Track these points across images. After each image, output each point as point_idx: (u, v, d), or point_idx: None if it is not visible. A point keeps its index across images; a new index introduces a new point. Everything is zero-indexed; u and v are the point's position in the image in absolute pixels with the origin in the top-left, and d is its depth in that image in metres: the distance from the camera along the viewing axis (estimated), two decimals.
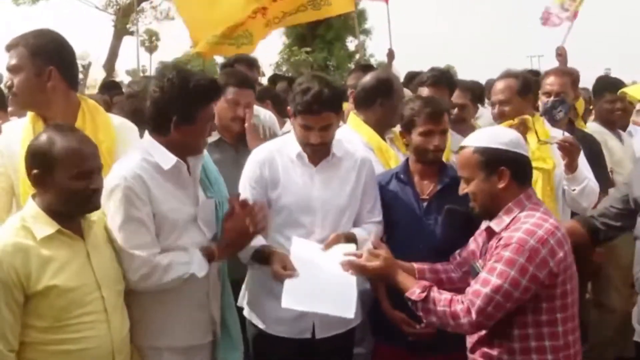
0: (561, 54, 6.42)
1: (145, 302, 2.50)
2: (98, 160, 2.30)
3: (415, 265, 2.73)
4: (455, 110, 4.26)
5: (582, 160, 3.36)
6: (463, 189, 2.49)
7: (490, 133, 2.51)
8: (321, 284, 2.66)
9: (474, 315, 2.28)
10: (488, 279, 2.28)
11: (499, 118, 3.60)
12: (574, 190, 3.29)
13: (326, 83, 2.86)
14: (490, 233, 2.46)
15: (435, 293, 2.40)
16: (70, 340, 2.18)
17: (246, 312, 3.06)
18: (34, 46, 2.56)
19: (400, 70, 6.90)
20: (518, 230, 2.30)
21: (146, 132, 2.61)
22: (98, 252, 2.32)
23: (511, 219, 2.37)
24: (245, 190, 2.91)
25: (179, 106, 2.47)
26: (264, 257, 2.74)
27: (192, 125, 2.50)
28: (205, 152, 2.72)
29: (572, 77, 4.19)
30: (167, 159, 2.52)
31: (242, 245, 2.66)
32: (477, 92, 4.76)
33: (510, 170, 2.37)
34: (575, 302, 2.38)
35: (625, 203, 2.89)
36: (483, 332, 2.40)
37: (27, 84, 2.57)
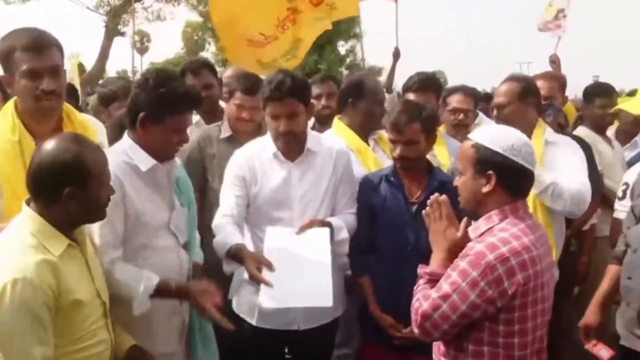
0: (554, 61, 6.42)
1: (128, 309, 2.48)
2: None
3: None
4: (461, 116, 4.34)
5: (561, 162, 3.33)
6: (456, 181, 2.39)
7: (495, 132, 2.35)
8: (297, 277, 2.69)
9: (418, 318, 2.20)
10: (440, 285, 2.19)
11: (497, 121, 3.58)
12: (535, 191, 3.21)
13: (290, 74, 2.96)
14: (467, 237, 2.36)
15: (429, 288, 2.27)
16: (85, 348, 2.17)
17: (235, 306, 3.13)
18: (60, 47, 2.57)
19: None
20: (481, 243, 2.17)
21: (125, 133, 2.66)
22: (93, 260, 2.31)
23: (487, 227, 2.24)
24: (229, 187, 3.03)
25: (148, 104, 2.53)
26: (237, 256, 2.78)
27: (158, 127, 2.55)
28: (176, 159, 2.79)
29: (559, 81, 4.22)
30: (146, 161, 2.59)
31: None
32: (478, 98, 4.79)
33: (498, 176, 2.21)
34: (539, 327, 2.23)
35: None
36: (441, 342, 2.31)
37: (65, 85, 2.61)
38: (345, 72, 20.61)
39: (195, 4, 25.66)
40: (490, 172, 2.22)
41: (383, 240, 3.07)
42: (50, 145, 2.12)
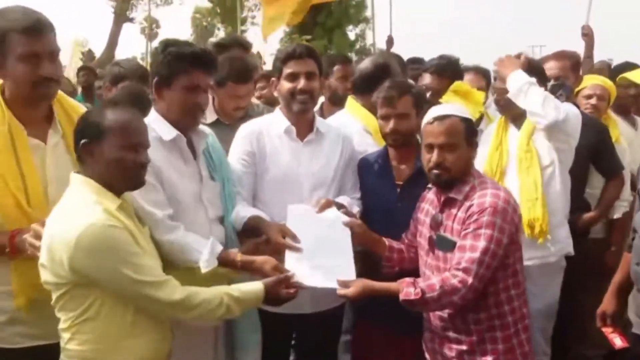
0: (587, 34, 5.91)
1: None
2: (146, 137, 2.28)
3: (385, 241, 2.86)
4: None
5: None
6: (442, 156, 2.56)
7: (460, 107, 2.79)
8: (321, 257, 2.65)
9: (471, 280, 2.42)
10: (475, 245, 2.46)
11: (497, 105, 3.64)
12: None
13: (306, 45, 3.04)
14: (451, 202, 2.60)
15: (423, 283, 2.49)
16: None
17: None
18: (55, 30, 2.44)
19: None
20: (485, 196, 2.51)
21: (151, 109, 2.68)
22: (141, 225, 2.32)
23: (469, 187, 2.58)
24: (236, 163, 2.98)
25: (159, 68, 2.57)
26: (256, 226, 2.75)
27: (169, 90, 2.56)
28: (211, 133, 2.82)
29: (572, 60, 4.13)
30: (168, 131, 2.58)
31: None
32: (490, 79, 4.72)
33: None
34: (521, 272, 2.63)
35: None
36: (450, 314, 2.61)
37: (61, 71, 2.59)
38: (354, 56, 20.56)
39: None
40: (474, 138, 2.63)
41: (369, 223, 3.00)
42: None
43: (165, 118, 2.61)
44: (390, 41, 7.29)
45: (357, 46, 23.99)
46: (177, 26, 56.39)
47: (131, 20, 24.22)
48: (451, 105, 2.95)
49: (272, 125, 3.07)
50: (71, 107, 2.57)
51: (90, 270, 2.05)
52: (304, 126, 3.07)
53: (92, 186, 2.17)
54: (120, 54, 21.98)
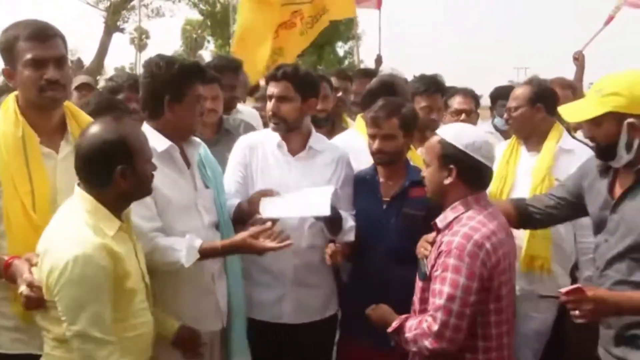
0: (577, 58, 5.97)
1: (157, 288, 2.49)
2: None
3: None
4: (463, 116, 4.29)
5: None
6: (423, 172, 2.59)
7: (458, 130, 2.56)
8: (296, 196, 2.85)
9: (437, 328, 2.32)
10: (441, 290, 2.34)
11: (507, 123, 3.65)
12: None
13: (297, 65, 3.09)
14: (437, 228, 2.52)
15: (409, 322, 2.47)
16: (131, 327, 2.21)
17: None
18: (64, 38, 2.52)
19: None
20: (457, 235, 2.36)
21: (144, 123, 2.71)
22: (137, 242, 2.35)
23: (455, 216, 2.43)
24: (233, 173, 3.08)
25: (169, 85, 2.61)
26: (246, 207, 2.88)
27: (182, 104, 2.64)
28: (203, 144, 2.88)
29: (573, 89, 4.02)
30: (161, 142, 2.64)
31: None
32: (478, 100, 4.75)
33: (458, 171, 2.41)
34: (510, 306, 2.46)
35: (567, 194, 2.76)
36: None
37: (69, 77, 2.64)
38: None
39: (196, 1, 25.70)
40: (451, 166, 2.42)
41: (356, 238, 3.06)
42: (94, 128, 2.19)
43: (170, 130, 2.66)
44: (378, 60, 7.39)
45: (346, 63, 24.19)
46: (167, 37, 56.41)
47: (121, 30, 24.27)
48: (454, 125, 2.83)
49: (267, 139, 3.13)
50: (83, 121, 2.60)
51: (57, 294, 2.06)
52: (296, 142, 3.10)
53: (92, 206, 2.17)
54: (110, 63, 22.03)
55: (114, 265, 2.10)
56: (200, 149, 2.86)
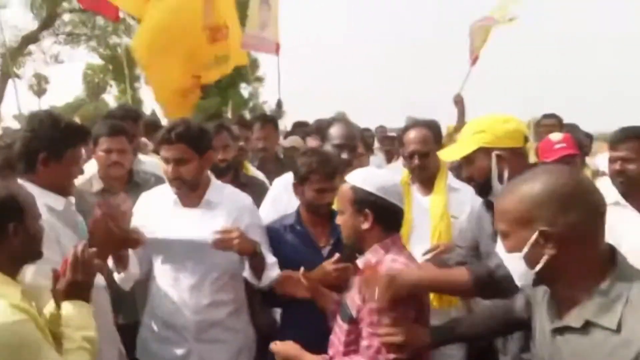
0: (458, 101, 6.35)
1: None
2: None
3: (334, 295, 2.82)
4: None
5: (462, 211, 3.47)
6: (337, 219, 2.57)
7: (368, 174, 2.57)
8: None
9: None
10: (370, 345, 2.35)
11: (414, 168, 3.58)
12: None
13: (186, 121, 3.05)
14: (358, 269, 2.52)
15: None
16: None
17: None
18: None
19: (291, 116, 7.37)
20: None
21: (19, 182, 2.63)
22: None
23: (377, 260, 2.44)
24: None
25: (48, 143, 2.65)
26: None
27: (60, 164, 2.67)
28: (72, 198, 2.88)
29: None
30: (57, 200, 2.68)
31: (110, 248, 2.70)
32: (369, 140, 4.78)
33: (374, 214, 2.44)
34: None
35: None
36: None
37: None
38: (248, 114, 20.95)
39: (96, 46, 25.37)
40: (367, 210, 2.45)
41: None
42: None
43: (44, 187, 2.65)
44: (279, 104, 7.78)
45: (251, 104, 24.45)
46: (68, 82, 54.95)
47: (18, 76, 23.57)
48: (363, 170, 2.77)
49: (163, 195, 3.16)
50: None
51: None
52: (192, 197, 3.10)
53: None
54: (7, 110, 21.31)
55: (32, 319, 2.03)
56: (73, 205, 2.91)
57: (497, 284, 2.22)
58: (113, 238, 2.66)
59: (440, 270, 2.53)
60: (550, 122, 5.79)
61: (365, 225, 2.45)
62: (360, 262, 2.50)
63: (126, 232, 2.70)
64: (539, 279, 1.68)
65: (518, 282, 1.73)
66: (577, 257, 1.61)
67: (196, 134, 3.01)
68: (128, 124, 4.09)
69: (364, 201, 2.45)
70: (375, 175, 2.56)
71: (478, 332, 2.39)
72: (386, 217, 2.48)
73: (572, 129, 5.38)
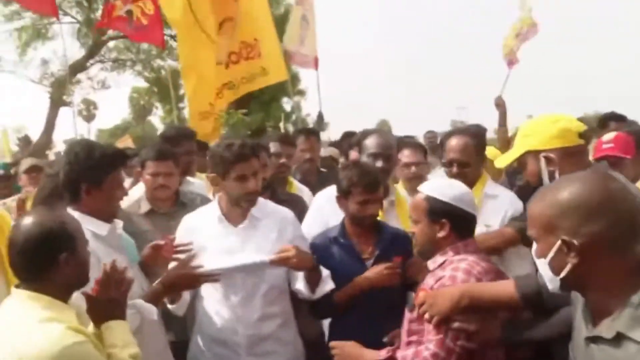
0: (499, 104, 6.34)
1: None
2: None
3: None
4: (413, 169, 4.29)
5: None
6: (411, 228, 2.70)
7: (442, 185, 2.71)
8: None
9: (443, 354, 2.37)
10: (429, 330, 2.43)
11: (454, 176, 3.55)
12: None
13: (242, 138, 3.22)
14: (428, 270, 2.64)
15: (400, 352, 2.51)
16: None
17: None
18: None
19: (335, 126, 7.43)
20: (449, 271, 2.48)
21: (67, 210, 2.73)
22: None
23: (444, 259, 2.55)
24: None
25: (87, 173, 2.76)
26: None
27: (101, 190, 2.78)
28: (120, 222, 2.98)
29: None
30: (102, 226, 2.78)
31: (183, 289, 2.95)
32: (425, 149, 4.72)
33: (450, 223, 2.55)
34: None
35: None
36: None
37: None
38: (291, 127, 21.10)
39: (141, 69, 25.92)
40: (443, 220, 2.56)
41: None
42: (28, 220, 2.16)
43: (90, 214, 2.76)
44: (320, 117, 7.84)
45: (294, 117, 24.60)
46: (115, 106, 56.49)
47: (68, 104, 24.28)
48: (436, 181, 2.96)
49: (208, 213, 3.22)
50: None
51: None
52: (237, 214, 3.16)
53: (44, 302, 2.10)
54: (59, 137, 21.98)
55: (91, 340, 2.11)
56: (120, 228, 2.99)
57: (547, 300, 2.20)
58: (187, 279, 2.88)
59: (487, 286, 2.46)
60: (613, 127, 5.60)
61: (442, 234, 2.56)
62: (430, 262, 2.61)
63: (199, 274, 2.88)
64: (565, 286, 1.68)
65: (549, 285, 1.72)
66: (603, 267, 1.60)
67: (257, 147, 3.23)
68: (184, 143, 4.31)
69: (440, 211, 2.56)
70: (448, 186, 2.69)
71: (549, 335, 2.35)
72: (462, 225, 2.59)
73: (629, 126, 5.05)
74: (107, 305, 2.28)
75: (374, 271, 3.09)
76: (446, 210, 2.56)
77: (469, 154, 3.53)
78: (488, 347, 2.42)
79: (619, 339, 1.55)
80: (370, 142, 3.72)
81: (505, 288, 2.35)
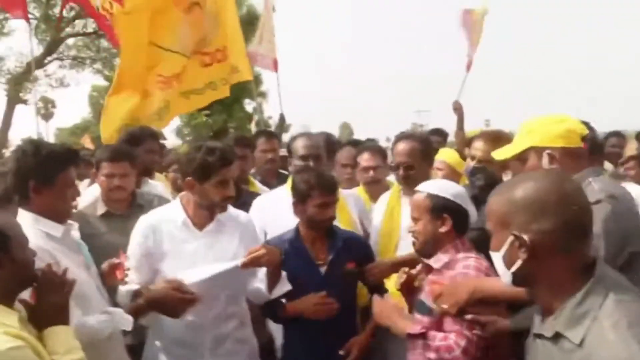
0: (457, 108, 6.50)
1: None
2: None
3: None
4: (371, 173, 4.30)
5: None
6: (412, 227, 2.80)
7: (440, 184, 2.89)
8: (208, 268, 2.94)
9: (463, 344, 2.48)
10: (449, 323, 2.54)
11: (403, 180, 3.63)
12: None
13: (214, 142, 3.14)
14: (428, 269, 2.75)
15: (431, 332, 2.58)
16: None
17: None
18: None
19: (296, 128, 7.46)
20: (469, 268, 2.61)
21: (19, 211, 2.70)
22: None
23: (449, 258, 2.68)
24: (134, 257, 3.07)
25: (35, 171, 2.65)
26: (144, 293, 2.91)
27: (52, 189, 2.68)
28: (75, 224, 2.91)
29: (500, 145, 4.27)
30: (54, 227, 2.70)
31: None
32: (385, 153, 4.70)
33: (452, 219, 2.71)
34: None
35: None
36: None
37: None
38: (254, 128, 21.06)
39: (101, 68, 25.56)
40: (445, 215, 2.71)
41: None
42: None
43: (42, 214, 2.68)
44: (281, 118, 7.89)
45: (256, 118, 24.55)
46: (75, 105, 55.46)
47: (25, 102, 23.77)
48: (435, 181, 3.07)
49: (170, 217, 3.14)
50: None
51: None
52: (202, 216, 3.12)
53: None
54: (16, 135, 21.53)
55: (30, 344, 2.02)
56: (76, 229, 2.94)
57: None
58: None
59: (496, 280, 2.44)
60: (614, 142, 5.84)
61: (443, 229, 2.71)
62: (433, 261, 2.72)
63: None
64: (516, 280, 1.72)
65: (502, 279, 1.77)
66: (551, 265, 1.64)
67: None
68: (147, 141, 4.32)
69: (442, 207, 2.72)
70: (447, 185, 2.88)
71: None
72: (461, 220, 2.75)
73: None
74: (47, 311, 2.21)
75: (305, 303, 3.12)
76: (447, 206, 2.72)
77: (415, 158, 3.60)
78: (498, 336, 2.51)
79: (557, 337, 1.61)
80: (299, 145, 3.78)
81: None
